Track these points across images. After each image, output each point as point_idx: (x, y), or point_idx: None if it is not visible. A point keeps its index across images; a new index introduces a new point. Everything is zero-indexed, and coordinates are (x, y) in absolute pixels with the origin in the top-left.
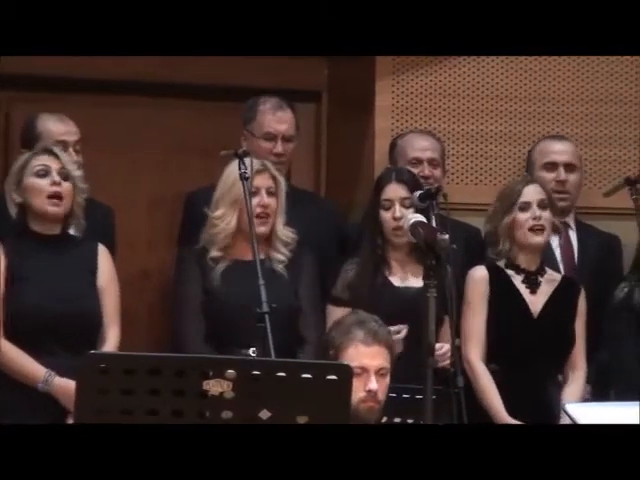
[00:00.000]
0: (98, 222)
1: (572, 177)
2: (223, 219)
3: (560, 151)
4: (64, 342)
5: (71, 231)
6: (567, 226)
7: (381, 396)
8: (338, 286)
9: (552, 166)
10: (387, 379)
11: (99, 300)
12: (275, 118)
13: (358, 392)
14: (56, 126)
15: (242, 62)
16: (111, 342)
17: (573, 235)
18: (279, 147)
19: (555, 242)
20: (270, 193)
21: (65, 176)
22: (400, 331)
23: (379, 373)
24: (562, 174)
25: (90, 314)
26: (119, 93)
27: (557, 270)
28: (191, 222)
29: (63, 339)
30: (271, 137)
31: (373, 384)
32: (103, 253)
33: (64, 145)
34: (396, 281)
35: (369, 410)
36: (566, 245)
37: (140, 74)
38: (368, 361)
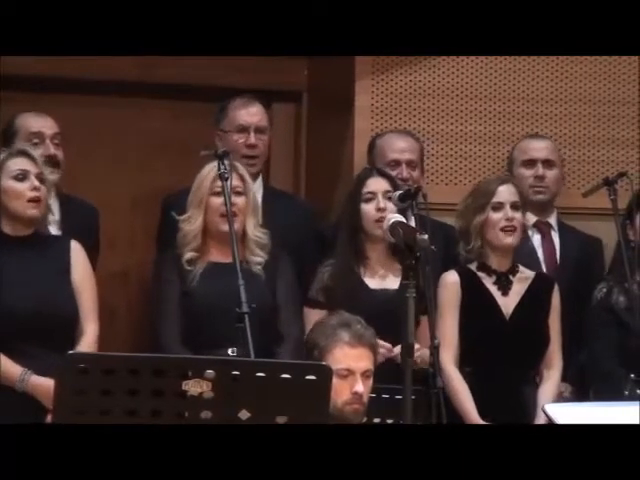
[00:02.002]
0: (82, 221)
1: (550, 173)
2: (188, 221)
3: (538, 148)
4: (40, 341)
5: (50, 229)
6: (549, 227)
7: (366, 398)
8: (314, 288)
9: (531, 163)
10: (371, 381)
11: (74, 297)
12: (246, 111)
13: (344, 394)
14: (33, 120)
15: (222, 62)
16: (89, 337)
17: (555, 236)
18: (252, 138)
19: (537, 242)
20: (237, 193)
21: (42, 179)
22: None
23: (364, 375)
24: (540, 170)
25: (64, 312)
26: (100, 93)
27: (539, 269)
28: (168, 225)
29: (39, 338)
30: (243, 129)
31: (360, 386)
32: (76, 249)
33: (41, 137)
34: (372, 283)
35: (354, 412)
36: (548, 246)
37: (122, 74)
38: (354, 363)
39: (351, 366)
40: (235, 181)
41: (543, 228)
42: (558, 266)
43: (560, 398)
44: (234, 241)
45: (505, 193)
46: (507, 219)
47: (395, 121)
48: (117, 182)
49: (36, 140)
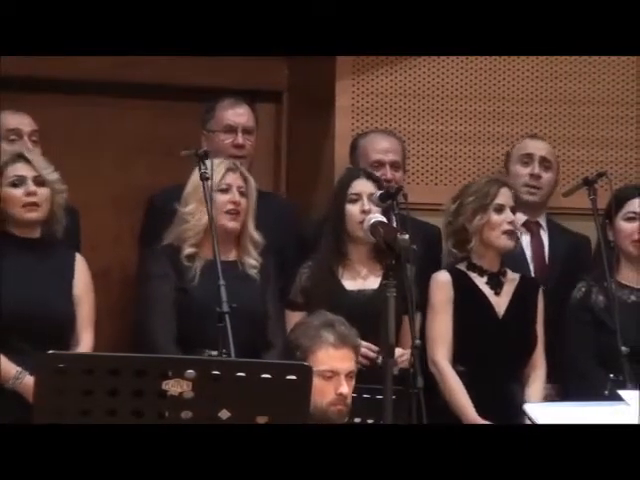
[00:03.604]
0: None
1: (546, 175)
2: (194, 215)
3: (538, 147)
4: (35, 343)
5: (54, 233)
6: (539, 226)
7: (349, 399)
8: (293, 290)
9: (528, 159)
10: (353, 381)
11: (72, 306)
12: (233, 112)
13: (328, 395)
14: (10, 117)
15: (203, 62)
16: (83, 348)
17: (544, 235)
18: (239, 138)
19: (526, 242)
20: (241, 193)
21: (41, 182)
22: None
23: (348, 376)
24: (536, 168)
25: (61, 317)
26: (80, 93)
27: (527, 270)
28: (153, 222)
29: (34, 340)
30: (231, 129)
31: (344, 388)
32: (80, 263)
33: (18, 134)
34: (351, 284)
35: (338, 413)
36: (537, 245)
37: (102, 74)
38: (338, 365)
39: (335, 367)
40: (239, 181)
41: (532, 228)
42: (546, 265)
43: (549, 399)
44: (215, 239)
45: (506, 196)
46: (509, 222)
47: (376, 121)
48: (97, 182)
49: (13, 137)
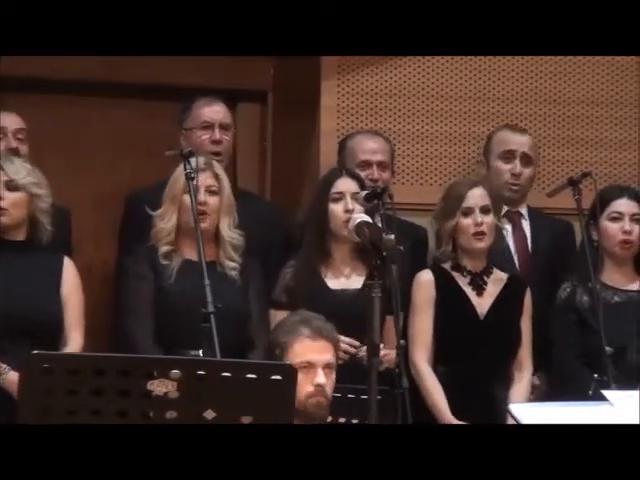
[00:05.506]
0: (54, 225)
1: (527, 171)
2: (163, 217)
3: (519, 142)
4: (21, 343)
5: (40, 237)
6: (520, 215)
7: (329, 391)
8: (277, 289)
9: (509, 155)
10: (333, 375)
11: (60, 306)
12: (210, 109)
13: (306, 387)
14: None
15: (188, 62)
16: (72, 349)
17: (526, 224)
18: (217, 134)
19: (508, 233)
20: (211, 192)
21: (14, 187)
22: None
23: (327, 368)
24: (518, 167)
25: (48, 318)
26: (66, 93)
27: (511, 261)
28: (132, 223)
29: (20, 340)
30: (208, 125)
31: (321, 378)
32: (68, 266)
33: (3, 132)
34: (333, 284)
35: (317, 405)
36: (520, 235)
37: (88, 74)
38: (315, 356)
39: (312, 359)
40: (209, 180)
41: (514, 217)
42: (530, 256)
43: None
44: (200, 240)
45: (475, 197)
46: (476, 224)
47: (361, 121)
48: (83, 182)
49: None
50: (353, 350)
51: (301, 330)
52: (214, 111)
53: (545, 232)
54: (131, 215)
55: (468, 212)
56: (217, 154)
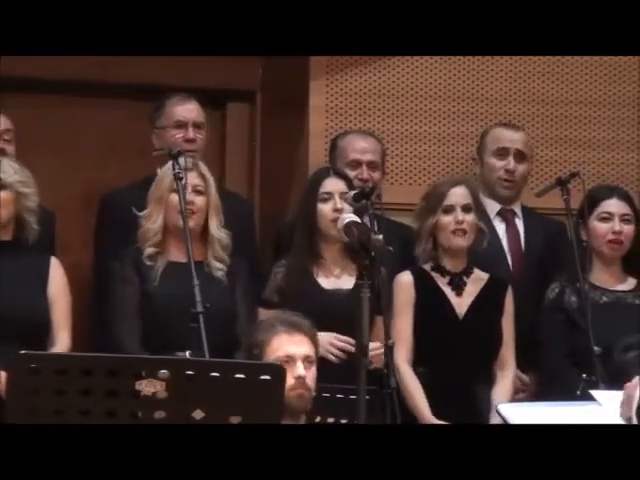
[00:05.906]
0: (40, 225)
1: (521, 167)
2: (149, 217)
3: (513, 139)
4: (9, 343)
5: (26, 237)
6: (513, 214)
7: (310, 383)
8: (268, 289)
9: (503, 152)
10: (314, 369)
11: (47, 306)
12: (183, 107)
13: (287, 381)
14: None
15: (176, 62)
16: (59, 349)
17: (520, 223)
18: (190, 133)
19: (502, 231)
20: (197, 191)
21: (0, 186)
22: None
23: (306, 360)
24: (511, 163)
25: (35, 317)
26: (54, 93)
27: (505, 261)
28: (106, 224)
29: (8, 340)
30: (181, 124)
31: (301, 369)
32: (56, 266)
33: None
34: (326, 283)
35: (299, 397)
36: (513, 234)
37: (76, 74)
38: (293, 348)
39: (290, 352)
40: (195, 179)
41: (508, 216)
42: (523, 255)
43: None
44: (188, 240)
45: (456, 196)
46: (457, 222)
47: (350, 121)
48: (71, 182)
49: None
50: (352, 349)
51: (277, 326)
52: (187, 110)
53: (538, 232)
54: (106, 216)
55: (449, 210)
56: (191, 152)
